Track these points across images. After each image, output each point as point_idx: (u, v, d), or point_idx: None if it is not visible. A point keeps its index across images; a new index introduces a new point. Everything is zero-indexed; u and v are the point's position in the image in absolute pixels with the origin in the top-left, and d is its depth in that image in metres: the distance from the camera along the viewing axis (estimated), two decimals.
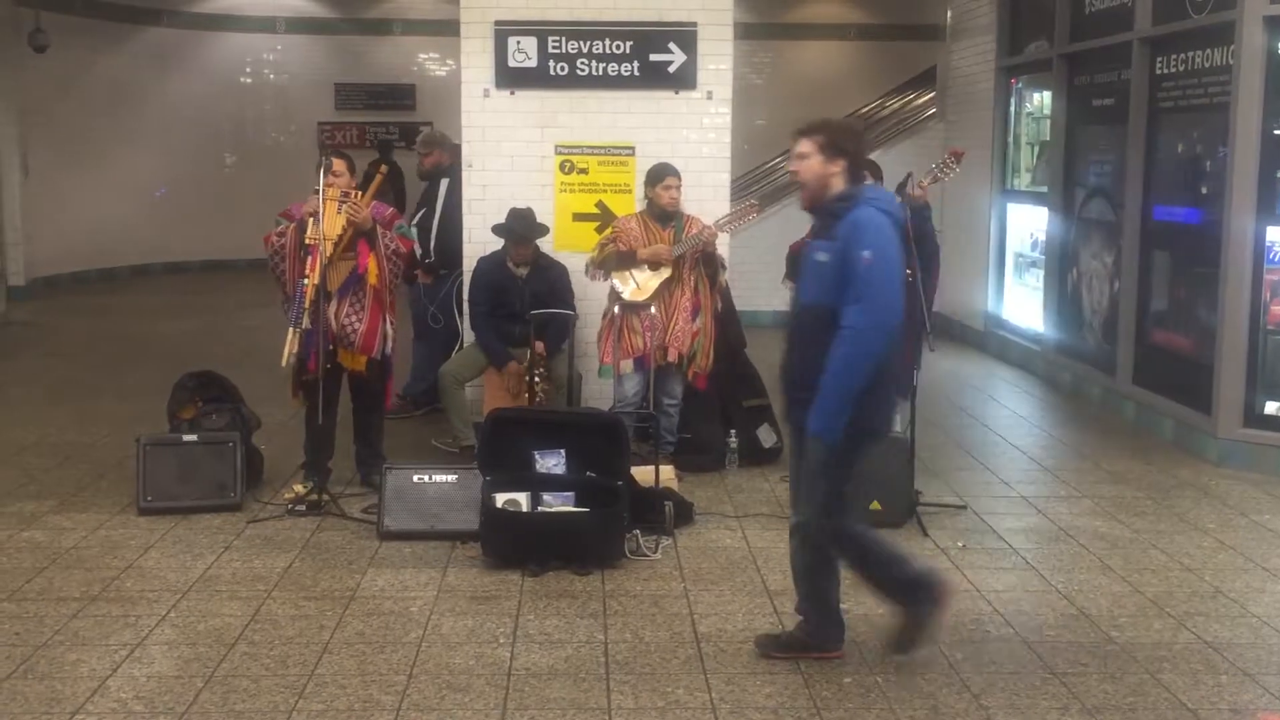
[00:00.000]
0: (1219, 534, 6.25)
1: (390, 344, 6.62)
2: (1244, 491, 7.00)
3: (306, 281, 6.19)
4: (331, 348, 6.38)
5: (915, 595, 4.48)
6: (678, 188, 7.04)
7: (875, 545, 4.57)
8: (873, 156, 9.46)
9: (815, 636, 4.67)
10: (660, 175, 7.08)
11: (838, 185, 4.44)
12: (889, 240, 4.33)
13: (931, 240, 6.67)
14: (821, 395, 4.28)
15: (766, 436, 7.48)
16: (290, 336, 6.21)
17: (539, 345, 7.04)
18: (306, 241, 6.26)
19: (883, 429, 4.62)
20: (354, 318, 6.42)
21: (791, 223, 8.67)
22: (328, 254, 6.23)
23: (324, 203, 6.22)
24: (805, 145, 4.45)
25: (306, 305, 6.19)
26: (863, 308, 4.23)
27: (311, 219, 6.27)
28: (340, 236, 6.29)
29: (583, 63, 7.88)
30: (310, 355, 6.29)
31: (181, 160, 17.43)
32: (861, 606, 5.20)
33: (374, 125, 18.28)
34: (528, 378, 7.02)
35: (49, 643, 4.75)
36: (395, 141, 17.82)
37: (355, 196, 6.38)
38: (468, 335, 7.77)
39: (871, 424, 4.44)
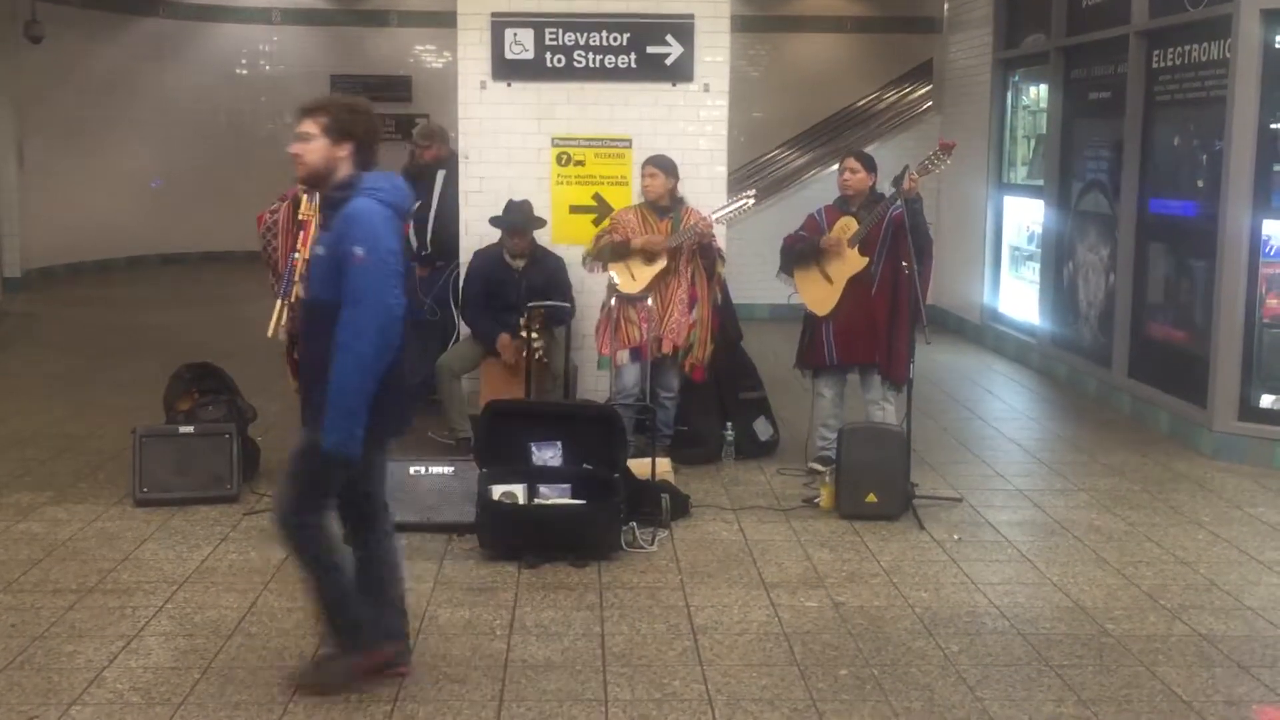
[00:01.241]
0: (1214, 527, 6.26)
1: None
2: (1239, 484, 7.01)
3: (297, 255, 6.21)
4: None
5: (354, 638, 4.27)
6: (653, 176, 6.99)
7: (338, 567, 4.25)
8: (870, 149, 9.47)
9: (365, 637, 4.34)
10: (643, 165, 7.10)
11: (344, 170, 4.13)
12: (384, 233, 4.04)
13: (924, 233, 6.68)
14: (329, 410, 3.98)
15: (763, 429, 7.48)
16: (279, 307, 6.22)
17: (537, 308, 6.92)
18: (300, 218, 6.28)
19: (387, 430, 4.28)
20: None
21: (788, 215, 8.69)
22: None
23: None
24: (309, 125, 4.12)
25: (296, 278, 6.19)
26: (355, 312, 3.96)
27: (305, 195, 6.29)
28: None
29: (580, 55, 7.87)
30: None
31: (177, 151, 17.40)
32: (857, 599, 5.22)
33: None
34: (524, 334, 6.90)
35: (46, 634, 4.76)
36: (392, 134, 17.77)
37: None
38: (464, 328, 7.77)
39: (382, 430, 4.18)
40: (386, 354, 4.04)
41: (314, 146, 4.13)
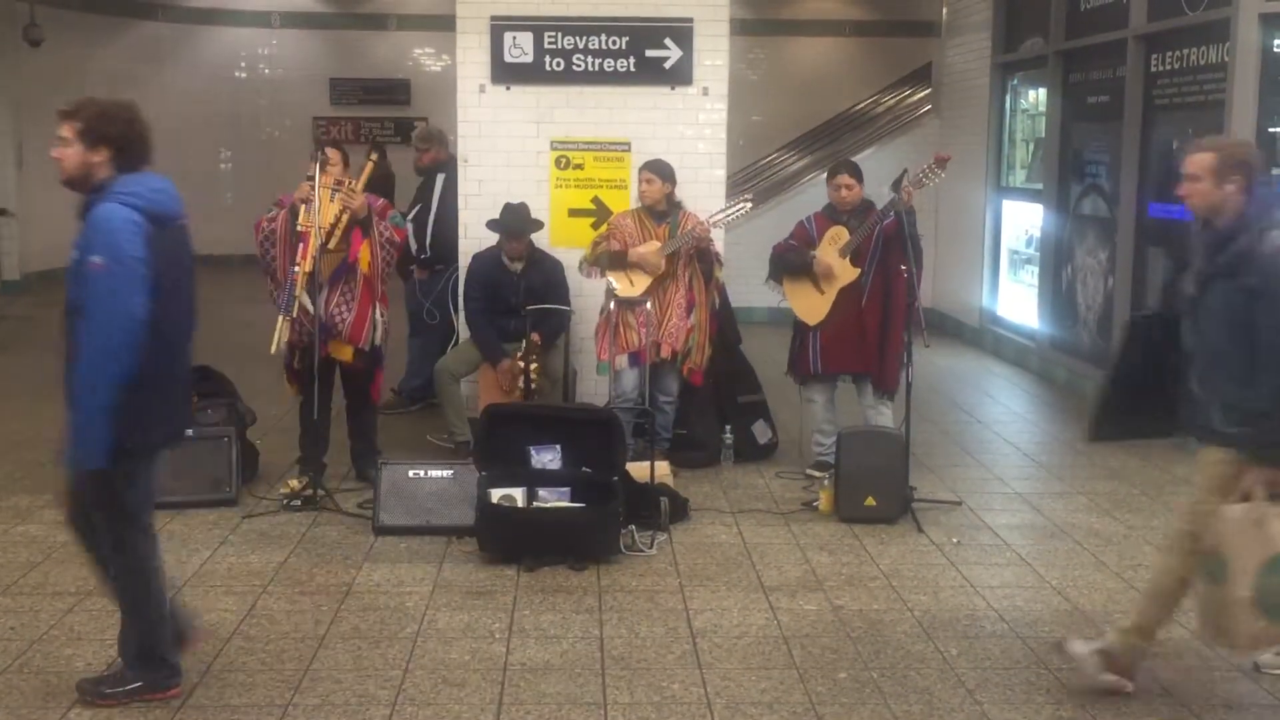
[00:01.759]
0: None
1: (381, 334, 6.61)
2: None
3: (297, 269, 6.22)
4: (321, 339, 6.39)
5: (151, 665, 4.20)
6: (650, 181, 7.00)
7: (157, 590, 4.23)
8: (868, 153, 9.49)
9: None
10: (640, 170, 7.10)
11: (103, 174, 4.04)
12: (126, 239, 3.89)
13: (917, 244, 6.69)
14: (71, 425, 3.88)
15: (762, 432, 7.48)
16: (280, 324, 6.23)
17: (535, 336, 7.01)
18: (299, 228, 6.28)
19: (154, 441, 4.16)
20: (343, 307, 6.42)
21: (787, 219, 8.68)
22: (320, 240, 6.24)
23: (318, 190, 6.23)
24: (65, 130, 4.05)
25: (297, 293, 6.20)
26: (93, 322, 3.85)
27: (304, 205, 6.29)
28: (334, 224, 6.30)
29: (579, 58, 7.87)
30: (314, 344, 6.29)
31: (176, 155, 17.23)
32: (857, 602, 5.22)
33: (369, 120, 18.25)
34: (523, 365, 6.97)
35: (44, 637, 4.75)
36: (391, 137, 17.79)
37: (349, 184, 6.41)
38: (464, 331, 7.77)
39: (132, 439, 3.99)
40: (127, 362, 3.88)
41: (70, 152, 4.06)
